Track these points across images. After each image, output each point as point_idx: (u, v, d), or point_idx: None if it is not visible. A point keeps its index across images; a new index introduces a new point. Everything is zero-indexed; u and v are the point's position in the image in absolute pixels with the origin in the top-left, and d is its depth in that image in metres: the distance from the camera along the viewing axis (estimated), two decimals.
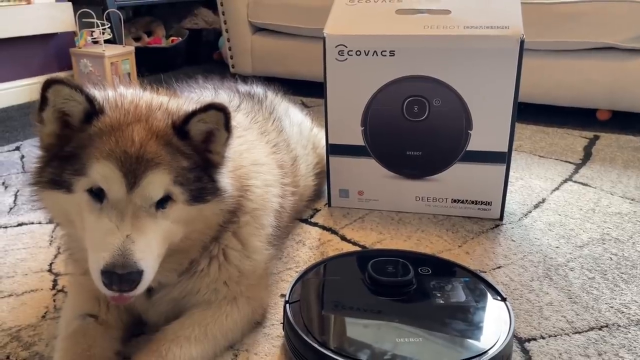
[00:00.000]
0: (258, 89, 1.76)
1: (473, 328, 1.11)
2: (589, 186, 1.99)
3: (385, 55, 1.60)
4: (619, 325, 1.23)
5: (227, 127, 1.03)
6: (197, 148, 1.03)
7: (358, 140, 1.72)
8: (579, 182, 2.03)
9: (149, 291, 1.13)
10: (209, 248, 1.15)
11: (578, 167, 2.18)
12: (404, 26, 1.61)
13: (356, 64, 1.63)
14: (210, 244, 1.15)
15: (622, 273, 1.44)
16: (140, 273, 0.92)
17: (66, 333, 1.10)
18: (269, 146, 1.45)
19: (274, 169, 1.38)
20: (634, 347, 1.16)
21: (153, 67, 3.95)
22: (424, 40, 1.58)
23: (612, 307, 1.30)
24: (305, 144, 1.75)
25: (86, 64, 3.36)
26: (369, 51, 1.61)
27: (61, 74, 3.52)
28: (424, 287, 1.21)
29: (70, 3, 3.40)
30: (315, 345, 1.03)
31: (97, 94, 1.04)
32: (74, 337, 1.08)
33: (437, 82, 1.60)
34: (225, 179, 1.08)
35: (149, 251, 0.94)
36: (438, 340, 1.07)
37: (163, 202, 0.97)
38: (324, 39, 1.63)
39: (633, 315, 1.26)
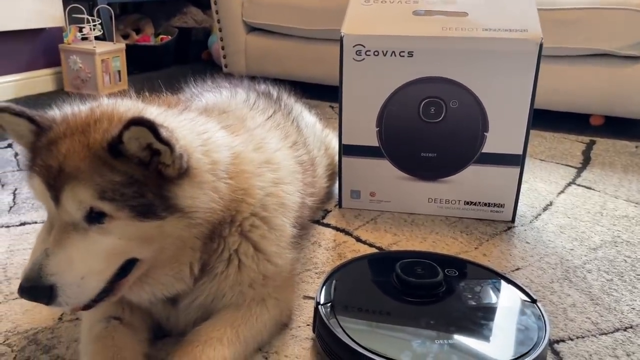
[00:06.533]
0: (272, 89, 1.73)
1: (510, 330, 1.11)
2: (593, 189, 2.02)
3: (403, 56, 1.60)
4: None
5: (160, 139, 0.89)
6: (145, 163, 0.94)
7: (372, 141, 1.71)
8: (582, 186, 2.05)
9: (174, 300, 1.10)
10: (217, 251, 1.09)
11: (579, 170, 2.21)
12: (423, 27, 1.61)
13: (374, 64, 1.62)
14: (218, 247, 1.08)
15: (638, 275, 1.45)
16: (48, 288, 0.89)
17: (92, 336, 1.05)
18: (288, 143, 1.41)
19: (290, 165, 1.30)
20: None
21: (142, 66, 3.90)
22: (443, 42, 1.58)
23: (633, 308, 1.31)
24: (319, 145, 1.73)
25: (76, 60, 3.28)
26: (387, 51, 1.60)
27: (47, 71, 3.43)
28: (453, 289, 1.21)
29: None
30: (355, 347, 1.01)
31: (55, 111, 1.03)
32: (103, 341, 1.03)
33: (454, 83, 1.60)
34: (195, 192, 0.98)
35: (67, 266, 0.90)
36: (477, 342, 1.07)
37: (100, 217, 0.92)
38: (341, 38, 1.62)
39: None
